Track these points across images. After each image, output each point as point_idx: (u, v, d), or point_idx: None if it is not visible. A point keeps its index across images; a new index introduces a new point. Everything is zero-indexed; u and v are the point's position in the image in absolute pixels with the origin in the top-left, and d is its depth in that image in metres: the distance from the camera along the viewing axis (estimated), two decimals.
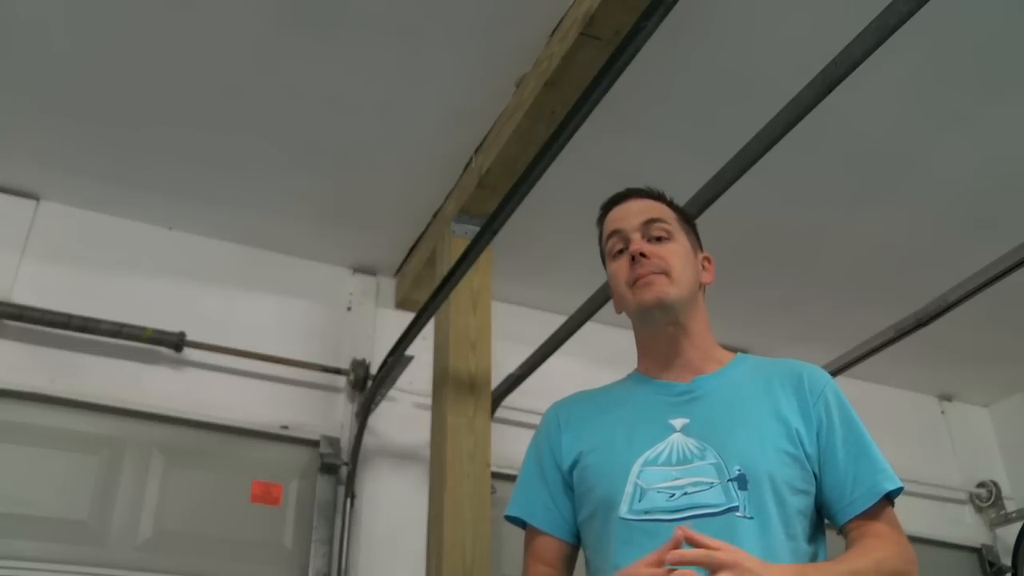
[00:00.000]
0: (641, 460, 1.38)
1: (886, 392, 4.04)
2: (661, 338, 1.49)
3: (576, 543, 1.51)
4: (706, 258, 1.58)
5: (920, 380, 4.14)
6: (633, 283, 1.45)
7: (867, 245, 3.23)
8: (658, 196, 1.58)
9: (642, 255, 1.45)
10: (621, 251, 1.50)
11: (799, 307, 3.58)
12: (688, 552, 1.17)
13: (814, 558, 1.35)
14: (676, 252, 1.48)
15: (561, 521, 1.50)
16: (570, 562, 1.52)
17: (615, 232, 1.52)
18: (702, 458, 1.36)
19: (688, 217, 1.61)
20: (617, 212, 1.56)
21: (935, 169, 2.86)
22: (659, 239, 1.48)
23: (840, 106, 2.07)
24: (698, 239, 1.60)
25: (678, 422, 1.41)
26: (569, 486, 1.50)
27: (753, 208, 2.94)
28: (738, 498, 1.31)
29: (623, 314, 1.54)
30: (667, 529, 1.29)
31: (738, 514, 1.30)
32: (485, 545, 2.45)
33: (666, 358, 1.49)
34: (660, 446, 1.39)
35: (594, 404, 1.55)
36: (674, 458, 1.37)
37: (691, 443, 1.38)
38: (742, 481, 1.32)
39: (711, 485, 1.33)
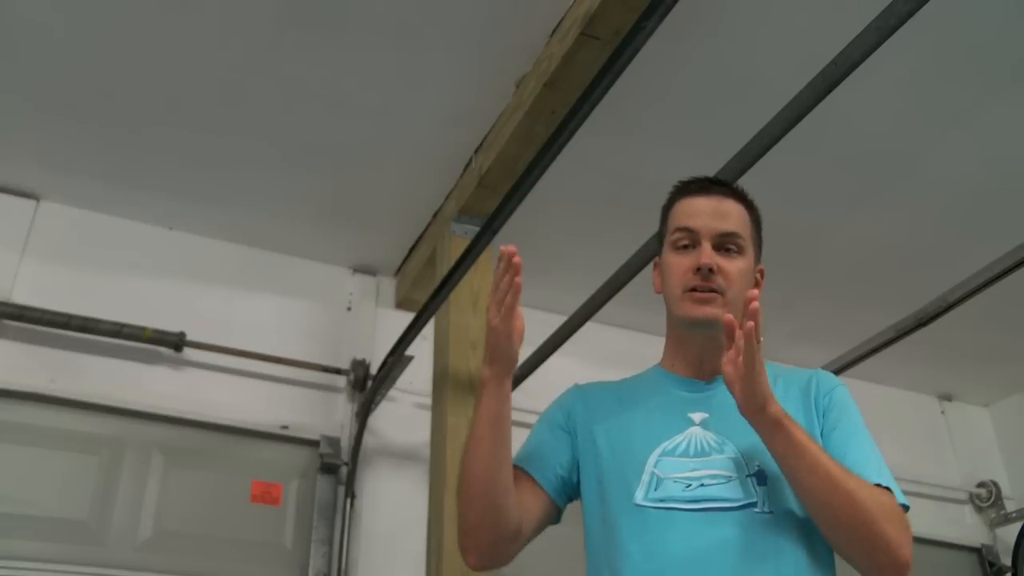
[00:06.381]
0: (659, 451, 1.38)
1: (886, 392, 4.04)
2: (696, 343, 1.48)
3: (557, 508, 1.46)
4: (760, 271, 1.54)
5: (920, 380, 4.13)
6: (689, 290, 1.44)
7: (867, 245, 3.22)
8: (738, 196, 1.52)
9: (710, 271, 1.42)
10: (687, 247, 1.47)
11: (799, 307, 3.57)
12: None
13: (832, 558, 1.34)
14: (741, 272, 1.45)
15: (552, 476, 1.45)
16: (540, 520, 1.44)
17: (687, 228, 1.48)
18: (720, 452, 1.36)
19: (759, 220, 1.55)
20: (694, 205, 1.50)
21: (935, 169, 2.86)
22: (728, 251, 1.45)
23: (840, 106, 2.07)
24: (760, 246, 1.56)
25: (697, 416, 1.42)
26: (575, 457, 1.47)
27: None
28: (756, 493, 1.32)
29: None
30: (682, 516, 1.29)
31: (756, 510, 1.30)
32: None
33: (695, 360, 1.49)
34: (678, 438, 1.39)
35: (614, 395, 1.54)
36: (692, 450, 1.37)
37: (710, 437, 1.38)
38: (761, 477, 1.32)
39: (728, 479, 1.33)
